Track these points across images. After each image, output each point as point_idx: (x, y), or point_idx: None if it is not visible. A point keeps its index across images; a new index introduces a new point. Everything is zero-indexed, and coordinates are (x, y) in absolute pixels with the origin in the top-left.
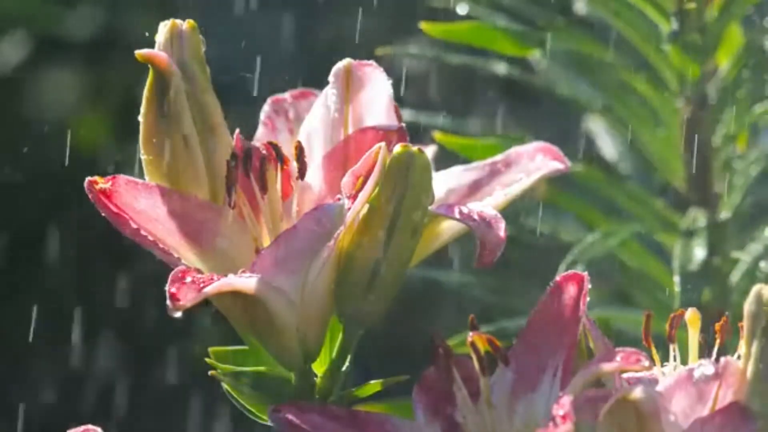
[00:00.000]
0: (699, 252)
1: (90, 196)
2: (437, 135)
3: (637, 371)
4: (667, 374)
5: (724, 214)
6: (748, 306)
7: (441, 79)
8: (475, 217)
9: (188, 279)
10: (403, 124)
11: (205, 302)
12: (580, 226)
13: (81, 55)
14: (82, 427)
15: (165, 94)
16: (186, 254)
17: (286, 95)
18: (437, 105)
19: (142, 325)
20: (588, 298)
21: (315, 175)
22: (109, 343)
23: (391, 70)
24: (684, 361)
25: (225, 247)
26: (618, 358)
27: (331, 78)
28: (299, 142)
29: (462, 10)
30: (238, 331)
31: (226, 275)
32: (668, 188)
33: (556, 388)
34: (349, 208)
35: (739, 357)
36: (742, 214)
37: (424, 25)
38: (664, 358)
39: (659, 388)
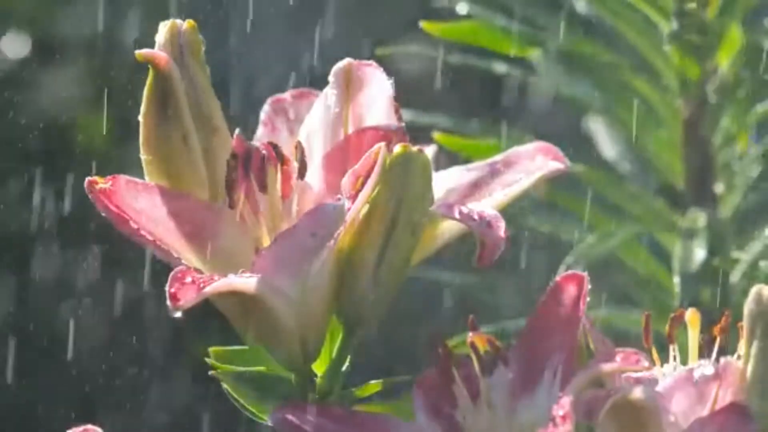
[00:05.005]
0: (699, 252)
1: (90, 196)
2: (437, 135)
3: (637, 371)
4: (667, 374)
5: (724, 214)
6: (748, 306)
7: (441, 79)
8: (475, 217)
9: (188, 279)
10: (403, 124)
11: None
12: (580, 226)
13: (81, 55)
14: (82, 427)
15: (165, 94)
16: (186, 254)
17: (286, 95)
18: (437, 105)
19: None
20: (588, 298)
21: (315, 175)
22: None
23: (391, 70)
24: (684, 361)
25: (225, 247)
26: (618, 359)
27: (331, 78)
28: (299, 142)
29: (462, 10)
30: (238, 331)
31: (226, 275)
32: (668, 188)
33: (556, 388)
34: (349, 208)
35: (739, 357)
36: (742, 214)
37: (424, 25)
38: (664, 359)
39: (659, 388)
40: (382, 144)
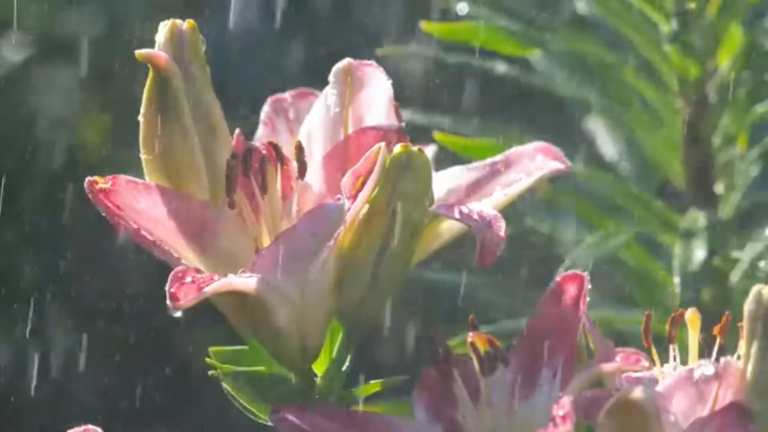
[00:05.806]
0: (699, 252)
1: (90, 196)
2: (437, 135)
3: (637, 371)
4: (667, 374)
5: (724, 214)
6: (748, 306)
7: (441, 79)
8: (475, 217)
9: (188, 279)
10: (403, 124)
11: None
12: (580, 226)
13: (81, 55)
14: (82, 427)
15: (165, 94)
16: (186, 254)
17: (286, 95)
18: (437, 105)
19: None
20: (588, 298)
21: (315, 175)
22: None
23: (391, 70)
24: (684, 361)
25: (225, 247)
26: (618, 359)
27: (331, 78)
28: (299, 142)
29: (462, 10)
30: (238, 331)
31: (226, 275)
32: (668, 188)
33: (556, 388)
34: (349, 208)
35: (739, 357)
36: (742, 214)
37: (424, 25)
38: (664, 359)
39: (659, 388)
40: (382, 144)
